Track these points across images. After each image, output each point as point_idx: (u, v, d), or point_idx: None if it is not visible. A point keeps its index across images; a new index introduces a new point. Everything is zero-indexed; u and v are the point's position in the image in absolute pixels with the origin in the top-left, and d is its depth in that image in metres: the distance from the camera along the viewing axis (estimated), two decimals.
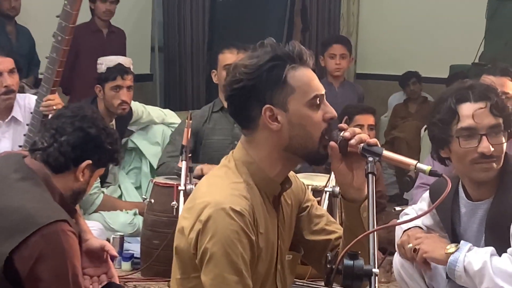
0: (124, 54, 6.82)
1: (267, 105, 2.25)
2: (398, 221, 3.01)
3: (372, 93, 8.03)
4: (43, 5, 6.46)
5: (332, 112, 2.30)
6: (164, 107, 6.08)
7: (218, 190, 2.25)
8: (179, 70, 8.79)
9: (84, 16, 6.83)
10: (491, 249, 2.82)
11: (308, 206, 2.51)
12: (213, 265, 2.17)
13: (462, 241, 2.88)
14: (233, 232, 2.17)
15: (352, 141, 2.25)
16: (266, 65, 2.25)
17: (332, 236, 2.47)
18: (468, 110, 2.87)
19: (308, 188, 2.60)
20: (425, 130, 6.12)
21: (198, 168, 4.45)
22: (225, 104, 4.82)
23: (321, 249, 2.47)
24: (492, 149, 2.83)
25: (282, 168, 2.33)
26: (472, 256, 2.82)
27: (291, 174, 2.46)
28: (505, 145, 2.89)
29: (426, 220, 3.13)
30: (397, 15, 8.54)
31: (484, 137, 2.83)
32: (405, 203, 6.38)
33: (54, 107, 4.05)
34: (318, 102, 2.28)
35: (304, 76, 2.28)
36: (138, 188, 5.29)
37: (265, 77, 2.25)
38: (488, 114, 2.86)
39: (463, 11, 8.04)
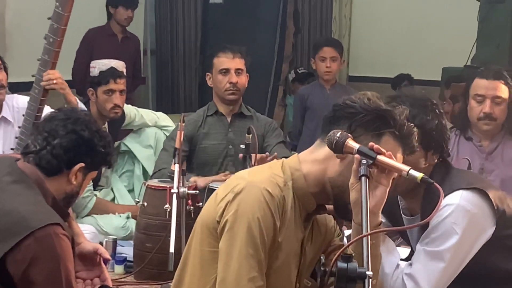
0: (138, 60, 6.91)
1: (351, 137, 2.31)
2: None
3: None
4: (34, 6, 6.46)
5: None
6: (157, 110, 6.06)
7: (257, 174, 2.36)
8: (171, 73, 8.80)
9: (100, 19, 6.93)
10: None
11: (334, 246, 2.55)
12: (233, 234, 2.24)
13: None
14: (261, 209, 2.24)
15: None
16: (382, 112, 2.35)
17: None
18: None
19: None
20: None
21: (192, 180, 4.44)
22: (220, 108, 4.87)
23: None
24: None
25: (320, 191, 2.39)
26: None
27: (332, 220, 2.56)
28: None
29: None
30: (390, 17, 8.58)
31: None
32: None
33: (55, 81, 4.05)
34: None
35: (393, 148, 2.35)
36: (131, 191, 5.26)
37: (372, 118, 2.35)
38: None
39: (455, 14, 8.07)
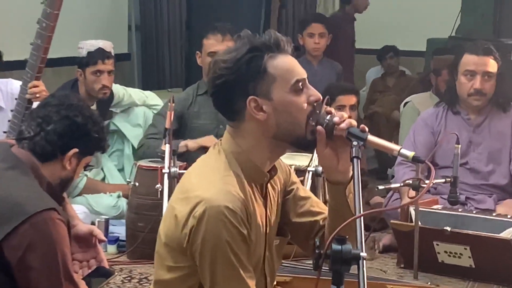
0: None
1: (251, 97, 2.26)
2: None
3: None
4: None
5: (316, 94, 2.31)
6: (142, 87, 6.07)
7: (210, 185, 2.25)
8: (156, 49, 8.75)
9: None
10: None
11: (293, 188, 2.52)
12: (209, 261, 2.19)
13: None
14: (227, 230, 2.18)
15: (343, 125, 2.26)
16: (245, 57, 2.26)
17: (318, 217, 2.49)
18: None
19: (291, 168, 2.60)
20: (404, 105, 6.16)
21: (182, 144, 4.45)
22: None
23: (308, 230, 2.50)
24: None
25: (271, 155, 2.34)
26: None
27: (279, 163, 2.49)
28: None
29: None
30: None
31: None
32: (384, 177, 6.45)
33: (38, 95, 4.05)
34: (300, 86, 2.29)
35: (284, 63, 2.29)
36: (121, 170, 5.28)
37: (245, 70, 2.26)
38: None
39: None
